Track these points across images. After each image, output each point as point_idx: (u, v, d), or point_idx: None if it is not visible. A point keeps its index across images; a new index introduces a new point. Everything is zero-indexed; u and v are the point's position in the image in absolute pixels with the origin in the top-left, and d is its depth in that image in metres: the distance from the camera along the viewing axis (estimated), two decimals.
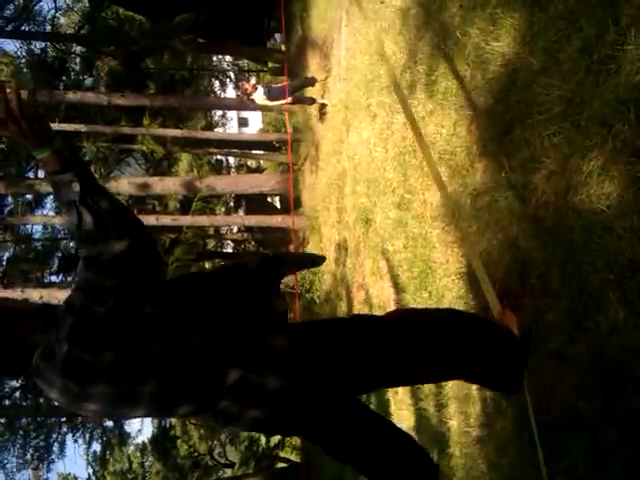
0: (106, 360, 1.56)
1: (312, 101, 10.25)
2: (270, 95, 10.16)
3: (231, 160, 23.66)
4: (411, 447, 2.11)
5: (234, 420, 1.81)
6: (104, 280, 1.58)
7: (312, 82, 10.29)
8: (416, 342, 1.99)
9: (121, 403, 1.66)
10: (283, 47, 16.22)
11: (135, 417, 1.81)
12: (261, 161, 24.19)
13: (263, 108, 10.37)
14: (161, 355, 1.62)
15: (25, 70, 16.21)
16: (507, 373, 2.18)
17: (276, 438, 15.76)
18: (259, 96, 10.15)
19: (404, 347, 1.97)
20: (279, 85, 10.33)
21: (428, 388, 3.86)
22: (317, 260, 2.18)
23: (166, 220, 12.55)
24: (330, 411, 1.90)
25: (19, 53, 16.46)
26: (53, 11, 17.05)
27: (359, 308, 6.45)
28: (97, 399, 1.61)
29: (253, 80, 10.68)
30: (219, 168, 21.22)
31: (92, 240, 1.58)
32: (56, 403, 1.70)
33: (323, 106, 9.78)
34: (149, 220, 12.43)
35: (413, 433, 4.25)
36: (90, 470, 16.81)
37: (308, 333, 1.91)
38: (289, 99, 10.17)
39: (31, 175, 15.25)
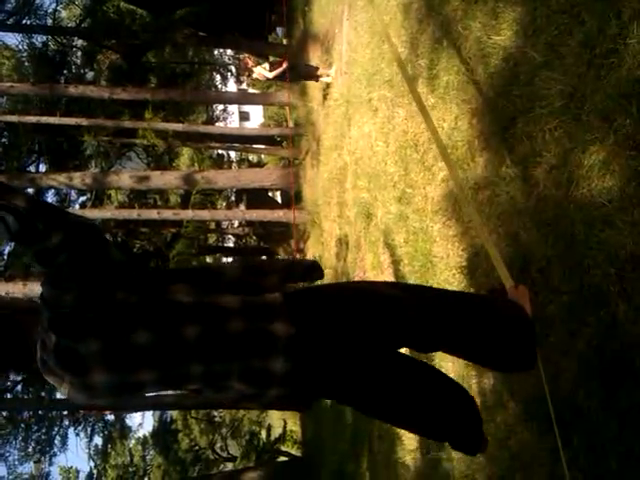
0: (93, 348, 1.59)
1: (316, 70, 10.22)
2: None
3: (232, 154, 23.67)
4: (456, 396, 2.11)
5: (254, 398, 1.83)
6: (59, 271, 1.59)
7: (314, 71, 10.27)
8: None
9: (123, 391, 1.70)
10: (285, 41, 16.20)
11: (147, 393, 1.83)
12: (262, 155, 24.17)
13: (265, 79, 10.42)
14: (152, 344, 1.64)
15: (26, 64, 16.21)
16: (517, 351, 2.15)
17: (277, 432, 15.82)
18: (260, 69, 10.18)
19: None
20: (277, 73, 10.32)
21: None
22: (315, 274, 1.99)
23: (167, 214, 12.55)
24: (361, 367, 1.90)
25: (20, 47, 16.46)
26: (54, 4, 17.01)
27: None
28: (100, 390, 1.66)
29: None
30: (220, 162, 21.24)
31: (26, 238, 1.58)
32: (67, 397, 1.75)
33: (327, 85, 9.77)
34: (150, 214, 12.44)
35: None
36: (92, 463, 16.87)
37: (310, 307, 1.87)
38: (285, 65, 10.18)
39: (32, 169, 15.27)
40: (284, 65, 10.16)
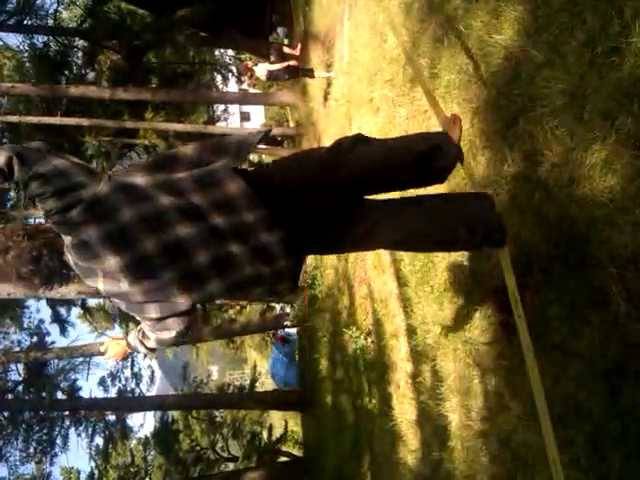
0: (93, 234, 1.93)
1: (311, 73, 10.28)
2: (271, 76, 10.25)
3: None
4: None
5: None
6: (24, 184, 1.92)
7: (311, 74, 10.31)
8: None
9: (138, 269, 1.99)
10: (286, 41, 16.19)
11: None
12: (263, 155, 24.15)
13: (267, 78, 10.48)
14: (137, 217, 1.94)
15: (27, 64, 16.22)
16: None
17: (278, 432, 15.81)
18: (261, 68, 10.20)
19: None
20: (279, 67, 10.36)
21: (430, 382, 3.87)
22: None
23: None
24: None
25: (21, 47, 16.47)
26: (55, 5, 16.96)
27: (361, 302, 6.45)
28: (122, 274, 1.97)
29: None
30: None
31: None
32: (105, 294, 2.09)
33: (329, 84, 9.78)
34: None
35: (414, 427, 4.26)
36: (93, 464, 16.83)
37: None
38: (293, 62, 10.23)
39: None
40: (292, 63, 10.19)
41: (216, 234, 2.01)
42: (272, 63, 10.57)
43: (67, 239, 1.98)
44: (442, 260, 3.64)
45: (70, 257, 2.03)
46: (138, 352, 2.51)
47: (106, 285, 2.02)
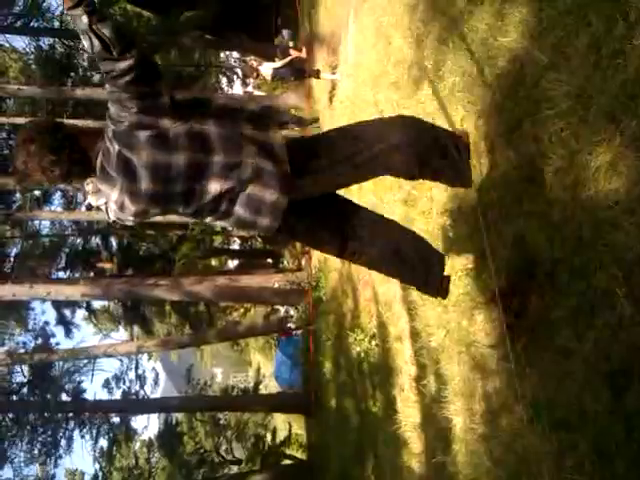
0: (143, 159, 2.12)
1: (317, 73, 10.29)
2: (277, 75, 10.29)
3: None
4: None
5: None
6: (121, 91, 2.08)
7: (317, 74, 10.31)
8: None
9: (160, 200, 2.24)
10: (291, 43, 16.21)
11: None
12: None
13: (273, 77, 10.52)
14: (185, 164, 2.16)
15: (34, 66, 16.28)
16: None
17: (282, 435, 15.80)
18: (266, 67, 10.22)
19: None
20: (283, 62, 10.39)
21: (434, 385, 3.86)
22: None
23: (173, 217, 12.55)
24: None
25: (28, 49, 16.53)
26: (61, 7, 17.01)
27: (365, 305, 6.45)
28: (143, 197, 2.19)
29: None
30: None
31: (103, 58, 2.05)
32: (115, 206, 2.26)
33: (333, 86, 9.78)
34: (156, 217, 12.46)
35: (418, 430, 4.24)
36: (97, 466, 16.85)
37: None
38: (294, 55, 10.27)
39: None
40: (294, 56, 10.19)
41: (233, 193, 2.24)
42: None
43: (113, 144, 2.13)
44: (446, 264, 3.63)
45: (100, 158, 2.18)
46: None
47: (120, 196, 2.19)
